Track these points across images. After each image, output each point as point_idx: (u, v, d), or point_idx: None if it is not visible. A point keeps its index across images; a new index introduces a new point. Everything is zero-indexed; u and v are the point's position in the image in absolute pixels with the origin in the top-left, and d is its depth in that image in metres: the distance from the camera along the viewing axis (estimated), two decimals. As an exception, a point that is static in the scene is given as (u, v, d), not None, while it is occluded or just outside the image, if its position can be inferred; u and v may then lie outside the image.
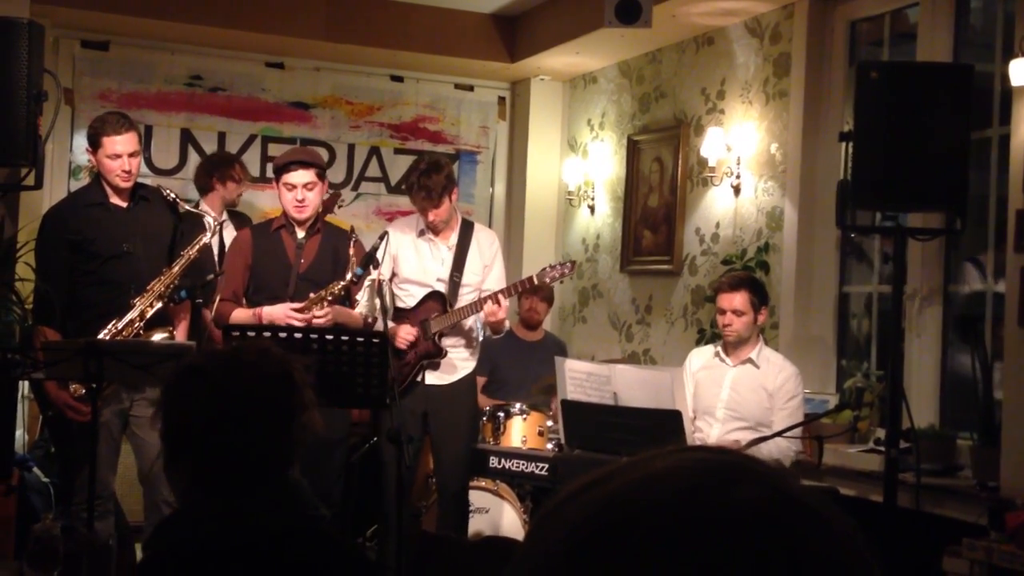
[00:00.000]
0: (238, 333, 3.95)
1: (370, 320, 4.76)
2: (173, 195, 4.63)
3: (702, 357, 4.78)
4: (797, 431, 4.47)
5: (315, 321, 4.41)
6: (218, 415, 1.93)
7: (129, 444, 4.53)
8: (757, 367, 4.59)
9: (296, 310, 4.41)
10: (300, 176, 4.55)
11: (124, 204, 4.54)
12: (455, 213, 4.95)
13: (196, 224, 4.61)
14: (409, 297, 4.88)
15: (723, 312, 4.59)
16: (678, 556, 0.64)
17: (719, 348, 4.72)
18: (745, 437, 4.49)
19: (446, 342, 4.85)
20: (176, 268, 4.45)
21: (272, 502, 1.92)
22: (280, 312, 4.43)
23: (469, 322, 4.90)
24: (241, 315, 4.49)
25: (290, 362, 2.02)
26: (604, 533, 0.67)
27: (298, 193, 4.54)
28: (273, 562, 1.86)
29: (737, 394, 4.59)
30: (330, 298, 4.44)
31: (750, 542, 0.65)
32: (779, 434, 4.39)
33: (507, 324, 4.96)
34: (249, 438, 1.92)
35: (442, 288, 4.86)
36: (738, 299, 4.55)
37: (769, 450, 4.33)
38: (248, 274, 4.61)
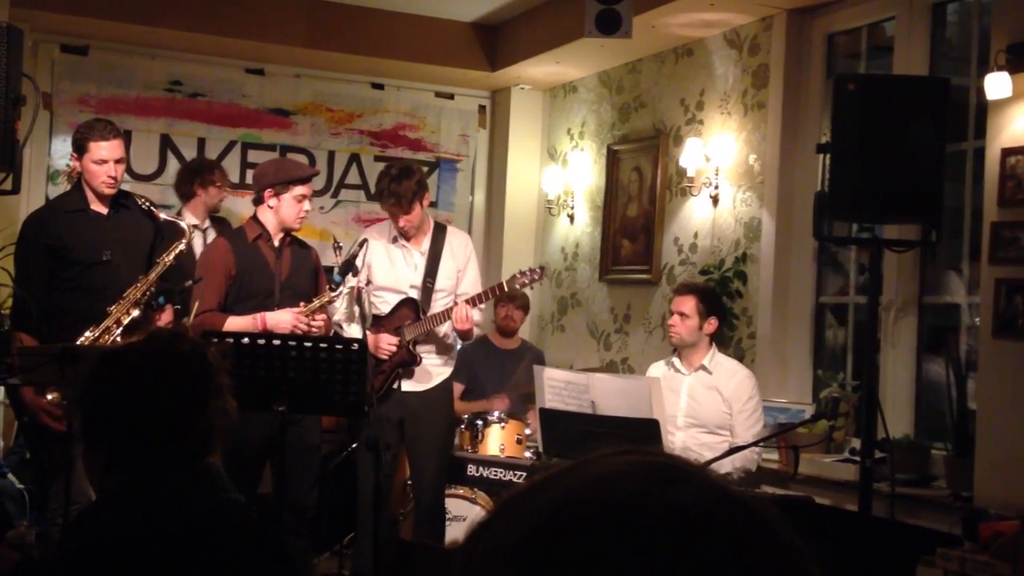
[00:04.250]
0: (217, 340, 3.93)
1: (337, 329, 4.79)
2: (148, 203, 4.63)
3: (657, 372, 4.86)
4: (764, 438, 4.51)
5: (314, 325, 4.47)
6: (131, 395, 1.91)
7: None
8: (710, 373, 4.70)
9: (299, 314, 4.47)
10: (308, 189, 4.68)
11: (104, 211, 4.54)
12: (427, 218, 4.96)
13: (175, 231, 4.60)
14: (383, 304, 4.89)
15: (671, 313, 4.75)
16: (628, 557, 0.66)
17: (673, 359, 4.83)
18: (706, 441, 4.56)
19: (421, 349, 4.86)
20: (152, 275, 4.44)
21: (189, 487, 1.91)
22: (287, 317, 4.45)
23: (444, 328, 4.90)
24: (240, 322, 4.47)
25: (203, 345, 2.02)
26: (553, 540, 0.68)
27: (306, 204, 4.64)
28: (191, 547, 1.84)
29: (694, 401, 4.68)
30: (319, 307, 4.50)
31: (696, 541, 0.67)
32: (756, 444, 4.42)
33: (476, 331, 4.98)
34: (163, 419, 1.91)
35: (415, 294, 4.87)
36: (685, 303, 4.70)
37: (733, 458, 4.36)
38: (229, 283, 4.60)
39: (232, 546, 1.89)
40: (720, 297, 5.08)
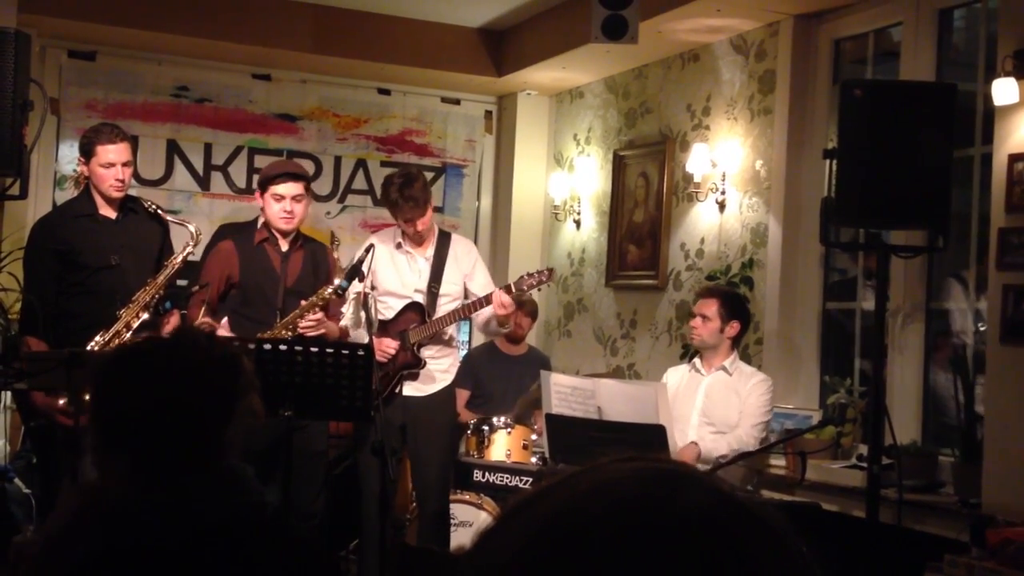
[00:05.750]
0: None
1: (350, 336, 4.78)
2: (155, 206, 4.65)
3: (677, 375, 4.89)
4: (771, 444, 4.53)
5: (304, 326, 4.44)
6: (163, 399, 1.86)
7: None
8: (730, 374, 4.73)
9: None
10: (288, 188, 4.60)
11: (113, 215, 4.56)
12: (432, 224, 4.97)
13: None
14: (388, 309, 4.89)
15: (694, 316, 4.80)
16: (632, 563, 0.66)
17: (694, 361, 4.87)
18: (717, 439, 4.57)
19: (425, 353, 4.86)
20: (161, 278, 4.45)
21: (216, 490, 1.87)
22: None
23: (449, 332, 4.90)
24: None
25: (237, 349, 2.01)
26: (559, 544, 0.68)
27: (286, 204, 4.59)
28: (221, 551, 1.80)
29: (710, 400, 4.71)
30: (320, 303, 4.49)
31: (700, 546, 0.67)
32: (766, 449, 4.42)
33: (512, 321, 5.01)
34: (194, 422, 1.87)
35: (420, 299, 4.87)
36: (708, 305, 4.74)
37: (728, 440, 4.49)
38: (224, 286, 4.61)
39: (264, 551, 1.85)
40: (744, 302, 5.04)
